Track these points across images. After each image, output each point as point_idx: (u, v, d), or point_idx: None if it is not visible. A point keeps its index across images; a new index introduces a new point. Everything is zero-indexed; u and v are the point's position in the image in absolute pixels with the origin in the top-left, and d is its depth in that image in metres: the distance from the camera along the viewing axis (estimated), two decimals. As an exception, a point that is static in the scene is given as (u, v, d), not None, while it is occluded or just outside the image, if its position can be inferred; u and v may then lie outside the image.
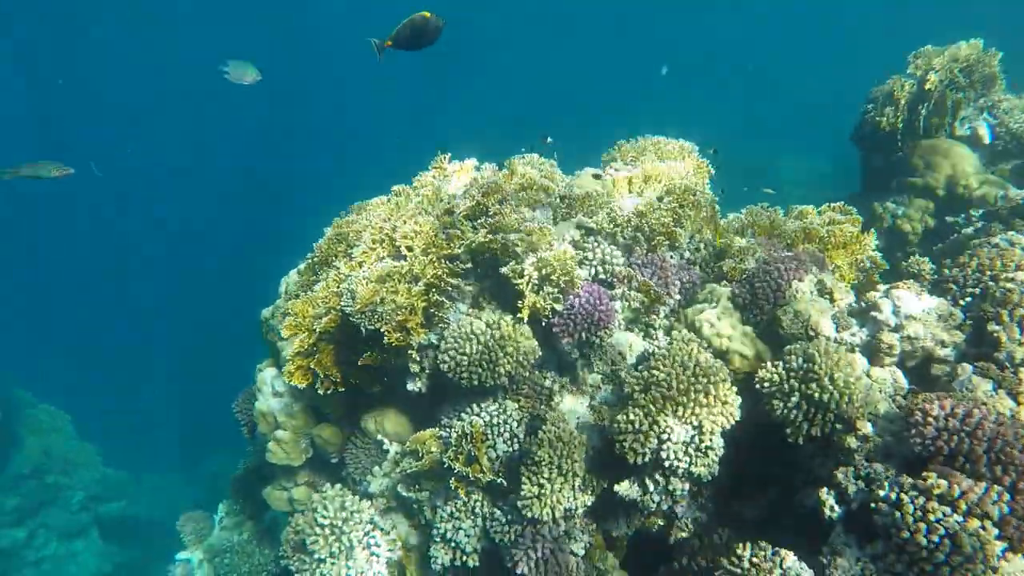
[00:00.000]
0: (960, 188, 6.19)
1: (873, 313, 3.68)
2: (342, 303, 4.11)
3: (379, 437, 4.75)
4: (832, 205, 5.09)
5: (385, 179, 4.93)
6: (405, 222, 4.11)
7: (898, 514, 2.87)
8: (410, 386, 4.44)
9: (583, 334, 4.19)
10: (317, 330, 4.20)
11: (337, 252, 4.60)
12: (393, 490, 4.46)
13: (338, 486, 4.23)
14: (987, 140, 6.48)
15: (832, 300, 3.92)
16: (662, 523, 4.13)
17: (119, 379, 24.48)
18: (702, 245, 4.76)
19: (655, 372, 3.72)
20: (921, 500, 2.85)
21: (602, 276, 4.36)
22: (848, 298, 3.96)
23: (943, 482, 2.84)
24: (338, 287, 4.28)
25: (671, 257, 4.58)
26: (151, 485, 16.64)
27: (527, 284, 4.03)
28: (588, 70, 34.05)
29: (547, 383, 4.39)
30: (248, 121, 35.38)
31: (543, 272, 4.06)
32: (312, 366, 4.36)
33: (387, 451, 4.70)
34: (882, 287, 3.88)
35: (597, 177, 4.60)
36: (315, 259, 4.71)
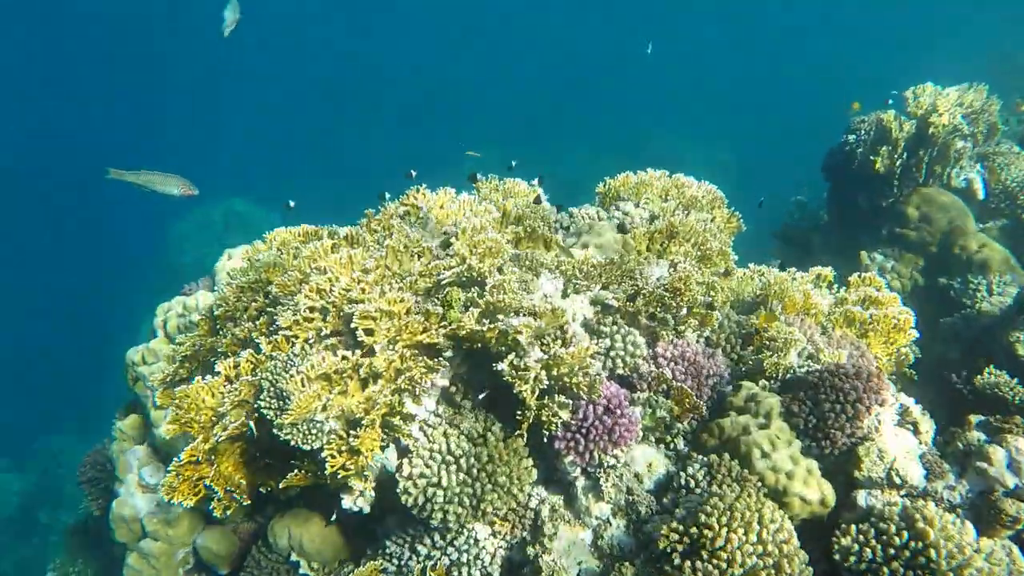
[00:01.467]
0: (957, 248, 5.66)
1: (981, 464, 2.88)
2: (261, 404, 2.78)
3: (294, 556, 3.48)
4: (862, 276, 4.30)
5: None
6: (365, 290, 2.81)
7: None
8: (347, 503, 3.20)
9: (596, 454, 3.13)
10: (220, 437, 2.84)
11: (249, 308, 3.21)
12: (315, 645, 3.24)
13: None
14: (981, 195, 6.00)
15: (916, 431, 3.10)
16: None
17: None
18: (725, 321, 3.81)
19: (707, 533, 2.74)
20: None
21: (621, 371, 3.30)
22: (931, 428, 3.16)
23: None
24: (254, 372, 2.92)
25: (696, 341, 3.60)
26: (-38, 474, 13.97)
27: (532, 390, 2.89)
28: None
29: (533, 503, 3.31)
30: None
31: (554, 373, 2.93)
32: (206, 479, 3.00)
33: (305, 578, 3.45)
34: (974, 419, 3.10)
35: (622, 230, 3.50)
36: (219, 310, 3.29)
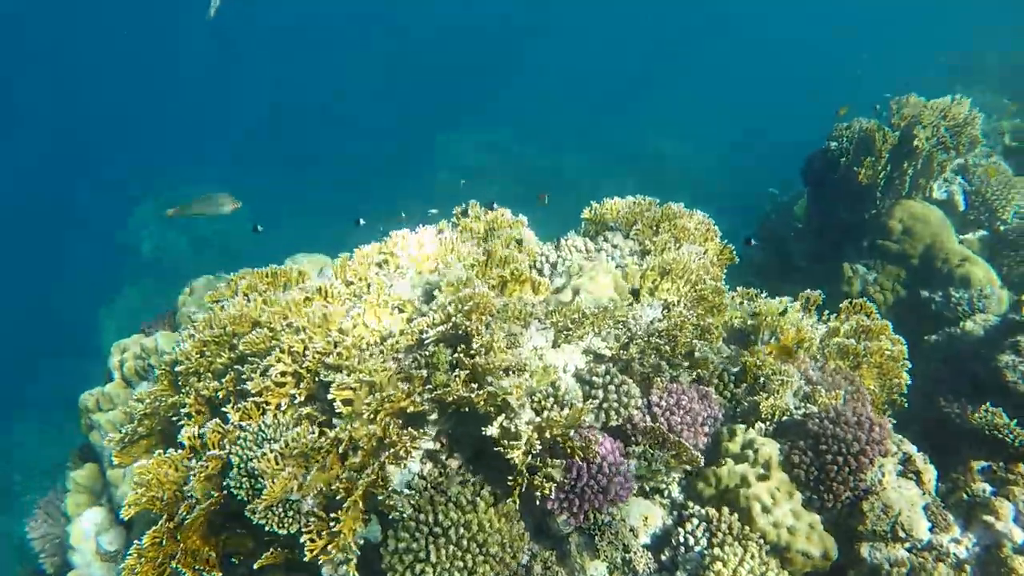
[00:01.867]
0: (939, 262, 5.61)
1: (987, 517, 2.79)
2: (231, 483, 2.55)
3: (269, 622, 3.26)
4: (853, 303, 4.20)
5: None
6: (343, 355, 2.58)
7: None
8: (327, 572, 2.99)
9: (591, 513, 2.97)
10: (186, 519, 2.60)
11: (214, 363, 2.96)
12: None
13: None
14: (962, 207, 5.97)
15: (920, 482, 3.00)
16: None
17: None
18: (717, 357, 3.67)
19: (712, 605, 2.60)
20: None
21: (614, 423, 3.13)
22: (933, 477, 3.06)
23: None
24: (222, 443, 2.68)
25: (686, 380, 3.44)
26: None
27: (523, 456, 2.71)
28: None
29: (524, 559, 3.14)
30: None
31: (547, 435, 2.76)
32: (173, 559, 2.76)
33: (282, 646, 3.24)
34: (976, 465, 3.01)
35: (613, 267, 3.31)
36: (180, 367, 3.02)
